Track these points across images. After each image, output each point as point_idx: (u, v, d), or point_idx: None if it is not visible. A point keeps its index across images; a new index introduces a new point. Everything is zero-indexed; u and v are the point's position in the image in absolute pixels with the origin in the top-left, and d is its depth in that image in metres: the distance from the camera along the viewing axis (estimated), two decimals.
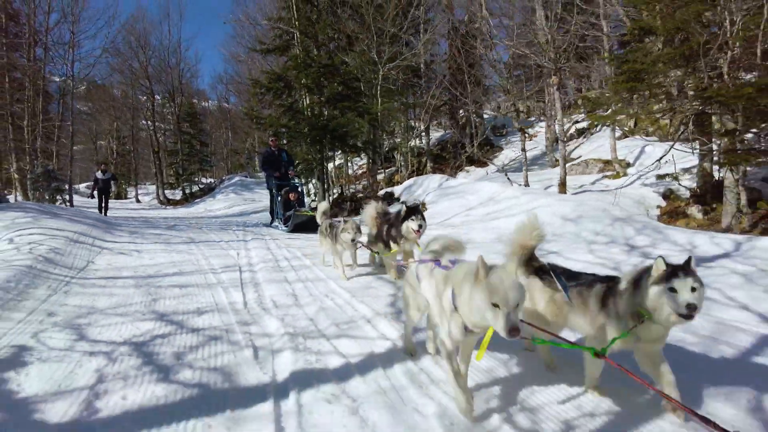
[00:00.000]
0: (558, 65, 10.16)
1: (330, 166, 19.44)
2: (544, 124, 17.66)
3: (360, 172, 23.10)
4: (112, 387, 2.44)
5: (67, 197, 19.51)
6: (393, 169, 20.44)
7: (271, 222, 11.02)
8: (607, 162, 12.80)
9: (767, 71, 6.61)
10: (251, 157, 34.15)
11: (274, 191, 10.69)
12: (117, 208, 20.82)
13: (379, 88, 14.07)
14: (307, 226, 9.00)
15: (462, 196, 9.64)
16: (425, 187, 11.24)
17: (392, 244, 4.74)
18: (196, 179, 30.73)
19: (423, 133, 19.22)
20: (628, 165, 12.22)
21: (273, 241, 7.68)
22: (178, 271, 5.16)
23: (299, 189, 10.54)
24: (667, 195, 10.03)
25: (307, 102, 14.04)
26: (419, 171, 17.13)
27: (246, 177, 29.48)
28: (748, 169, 7.66)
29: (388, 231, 4.82)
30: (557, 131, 12.40)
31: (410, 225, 4.44)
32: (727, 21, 6.12)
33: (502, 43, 11.85)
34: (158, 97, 30.87)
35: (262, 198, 24.50)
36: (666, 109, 8.39)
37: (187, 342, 3.04)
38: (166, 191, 29.70)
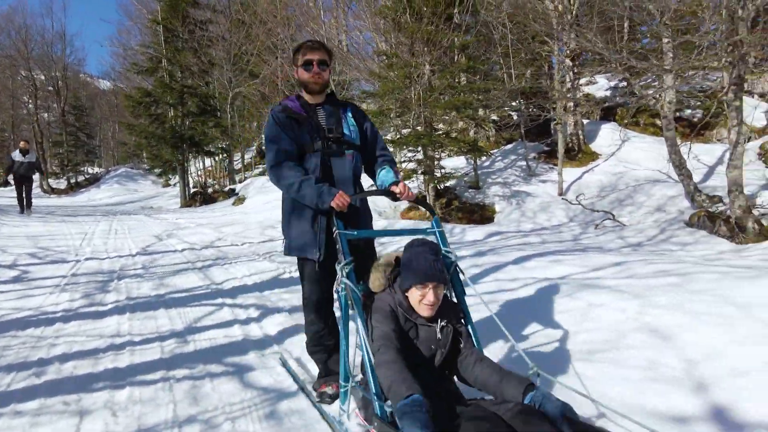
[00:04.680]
0: None
1: (205, 163, 24.12)
2: None
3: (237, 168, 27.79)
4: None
5: None
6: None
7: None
8: None
9: None
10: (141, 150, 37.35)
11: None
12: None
13: (229, 106, 19.02)
14: None
15: (271, 191, 14.82)
16: (254, 185, 16.33)
17: None
18: (82, 169, 33.57)
19: None
20: (414, 171, 18.13)
21: (116, 222, 12.45)
22: (49, 232, 9.86)
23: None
24: (418, 195, 15.99)
25: (172, 114, 18.63)
26: None
27: (132, 168, 32.97)
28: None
29: None
30: None
31: None
32: None
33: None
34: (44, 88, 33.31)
35: (144, 189, 28.47)
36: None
37: (50, 254, 7.90)
38: (50, 180, 32.34)
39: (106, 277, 5.90)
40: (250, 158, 26.61)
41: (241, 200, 15.22)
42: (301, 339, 3.46)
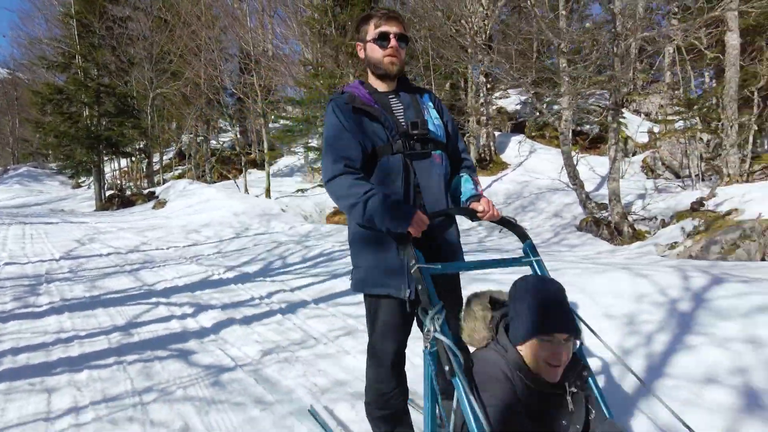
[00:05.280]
0: None
1: (120, 164, 23.31)
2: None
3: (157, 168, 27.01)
4: None
5: None
6: (186, 167, 24.95)
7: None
8: None
9: None
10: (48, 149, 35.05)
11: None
12: None
13: (149, 107, 18.72)
14: None
15: (193, 195, 14.89)
16: (175, 188, 16.26)
17: None
18: None
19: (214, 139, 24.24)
20: None
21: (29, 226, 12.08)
22: None
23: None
24: None
25: (87, 114, 18.01)
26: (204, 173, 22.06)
27: (36, 168, 30.89)
28: None
29: None
30: None
31: None
32: None
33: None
34: None
35: (51, 190, 26.86)
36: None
37: None
38: None
39: (33, 281, 6.06)
40: (169, 159, 26.03)
41: (161, 204, 15.14)
42: (239, 332, 4.08)
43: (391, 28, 1.99)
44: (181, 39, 18.31)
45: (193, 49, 18.15)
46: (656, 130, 18.59)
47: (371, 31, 2.01)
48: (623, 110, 20.50)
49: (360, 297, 2.10)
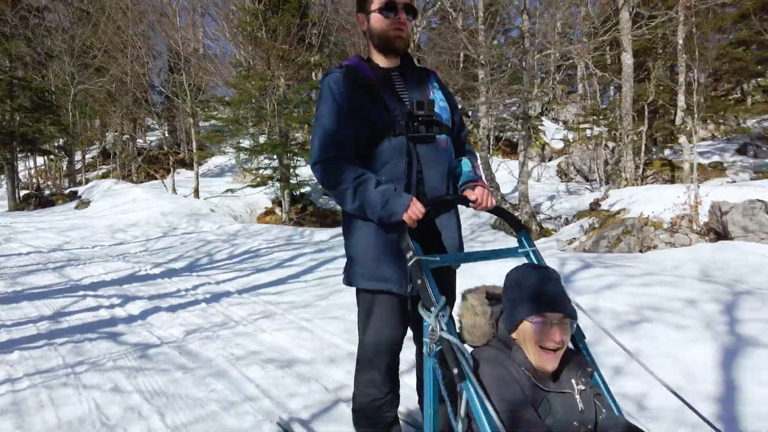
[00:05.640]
0: None
1: (36, 162, 22.21)
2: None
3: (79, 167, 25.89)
4: None
5: None
6: (112, 167, 24.11)
7: None
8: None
9: None
10: None
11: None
12: None
13: (71, 103, 18.12)
14: None
15: (119, 195, 14.65)
16: (100, 188, 15.88)
17: None
18: None
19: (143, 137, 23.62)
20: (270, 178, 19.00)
21: None
22: None
23: None
24: (275, 200, 16.90)
25: None
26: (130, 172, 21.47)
27: None
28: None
29: None
30: None
31: None
32: None
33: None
34: None
35: None
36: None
37: None
38: None
39: None
40: (92, 158, 25.08)
41: (85, 204, 14.78)
42: (165, 317, 4.47)
43: None
44: (105, 34, 17.87)
45: (119, 44, 17.78)
46: (570, 137, 20.31)
47: (377, 0, 1.83)
48: (543, 118, 22.21)
49: (288, 287, 2.47)
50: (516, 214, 11.56)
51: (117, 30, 17.51)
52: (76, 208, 14.86)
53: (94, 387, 2.92)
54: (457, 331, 1.62)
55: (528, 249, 1.87)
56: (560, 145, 19.89)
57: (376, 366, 1.89)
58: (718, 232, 7.57)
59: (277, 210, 15.89)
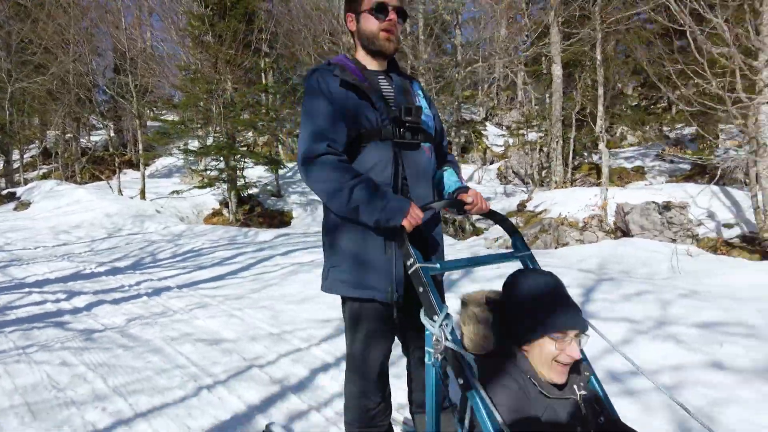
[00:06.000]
0: None
1: None
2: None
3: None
4: None
5: None
6: (53, 167, 23.54)
7: None
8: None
9: None
10: None
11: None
12: None
13: (7, 101, 17.78)
14: None
15: (62, 197, 14.61)
16: (41, 189, 15.73)
17: None
18: None
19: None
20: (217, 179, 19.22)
21: None
22: None
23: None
24: (222, 201, 17.17)
25: None
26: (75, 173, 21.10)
27: None
28: None
29: None
30: None
31: None
32: None
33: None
34: None
35: None
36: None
37: None
38: None
39: None
40: (31, 157, 24.41)
41: (25, 205, 14.65)
42: (108, 308, 4.96)
43: (391, 0, 1.81)
44: (45, 30, 17.60)
45: (60, 42, 17.55)
46: (510, 142, 21.54)
47: (367, 1, 1.82)
48: (487, 123, 23.41)
49: (232, 281, 3.11)
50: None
51: (58, 27, 17.30)
52: (15, 209, 14.70)
53: (45, 362, 3.44)
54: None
55: (523, 253, 1.86)
56: (501, 149, 21.05)
57: (367, 376, 1.88)
58: (623, 231, 8.66)
59: (225, 211, 16.21)
